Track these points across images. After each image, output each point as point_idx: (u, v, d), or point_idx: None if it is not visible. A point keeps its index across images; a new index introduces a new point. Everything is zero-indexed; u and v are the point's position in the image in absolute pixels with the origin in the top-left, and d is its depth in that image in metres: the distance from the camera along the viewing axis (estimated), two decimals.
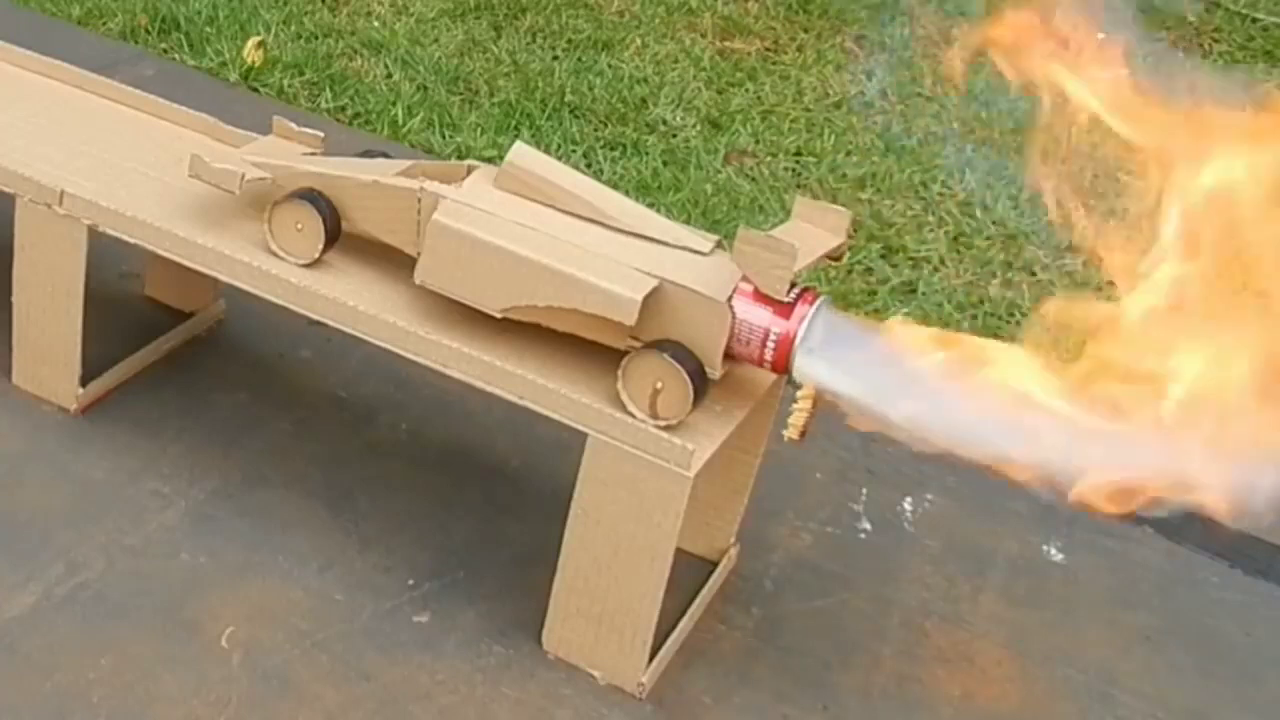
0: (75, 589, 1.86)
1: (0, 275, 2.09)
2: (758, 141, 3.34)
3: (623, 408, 1.71)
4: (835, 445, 2.29)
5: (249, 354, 2.34)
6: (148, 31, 3.46)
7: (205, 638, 1.82)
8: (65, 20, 3.49)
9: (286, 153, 2.04)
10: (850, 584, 2.07)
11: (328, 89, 3.30)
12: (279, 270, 1.88)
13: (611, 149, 3.22)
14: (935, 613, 2.05)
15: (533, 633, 1.87)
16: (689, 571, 1.96)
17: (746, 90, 3.58)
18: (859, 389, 1.68)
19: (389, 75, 3.42)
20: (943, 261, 2.93)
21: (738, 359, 1.75)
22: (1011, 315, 2.79)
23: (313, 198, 1.88)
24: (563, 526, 1.78)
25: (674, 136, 3.31)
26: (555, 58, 3.61)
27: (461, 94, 3.39)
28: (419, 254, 1.82)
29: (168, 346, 2.30)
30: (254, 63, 3.33)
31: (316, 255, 1.89)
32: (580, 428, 1.73)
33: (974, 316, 2.76)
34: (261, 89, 3.29)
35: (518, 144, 1.86)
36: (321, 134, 2.11)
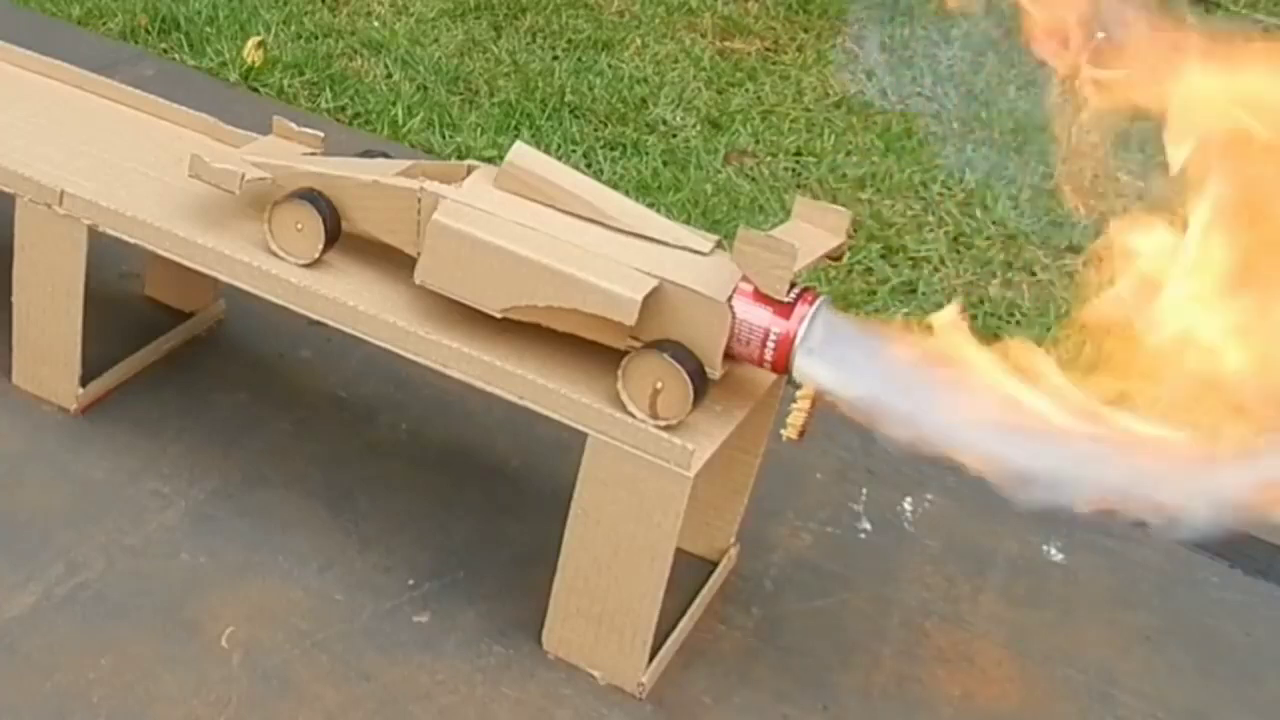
0: (75, 589, 1.86)
1: (0, 275, 2.09)
2: (758, 141, 3.34)
3: (623, 408, 1.71)
4: (835, 445, 2.29)
5: (249, 354, 2.34)
6: (148, 31, 3.46)
7: (205, 638, 1.82)
8: (65, 20, 3.49)
9: (286, 153, 2.04)
10: (850, 584, 2.07)
11: (328, 89, 3.30)
12: (279, 270, 1.88)
13: (611, 149, 3.22)
14: (935, 613, 2.05)
15: (533, 633, 1.87)
16: (689, 571, 1.96)
17: (746, 90, 3.58)
18: (859, 389, 1.68)
19: (389, 75, 3.42)
20: (943, 261, 2.93)
21: (738, 359, 1.75)
22: (1011, 315, 2.79)
23: (313, 198, 1.88)
24: (563, 526, 1.78)
25: (674, 136, 3.31)
26: (555, 58, 3.61)
27: (461, 94, 3.39)
28: (419, 254, 1.82)
29: (168, 346, 2.30)
30: (254, 63, 3.33)
31: (316, 255, 1.88)
32: (580, 428, 1.73)
33: (974, 316, 2.76)
34: (261, 89, 3.29)
35: (518, 144, 1.86)
36: (321, 134, 2.11)
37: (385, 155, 2.04)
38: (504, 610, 1.92)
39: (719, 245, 1.79)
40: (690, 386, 1.68)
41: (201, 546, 1.95)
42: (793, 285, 1.69)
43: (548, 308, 1.75)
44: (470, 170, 1.89)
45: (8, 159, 2.03)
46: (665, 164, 3.17)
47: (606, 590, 1.78)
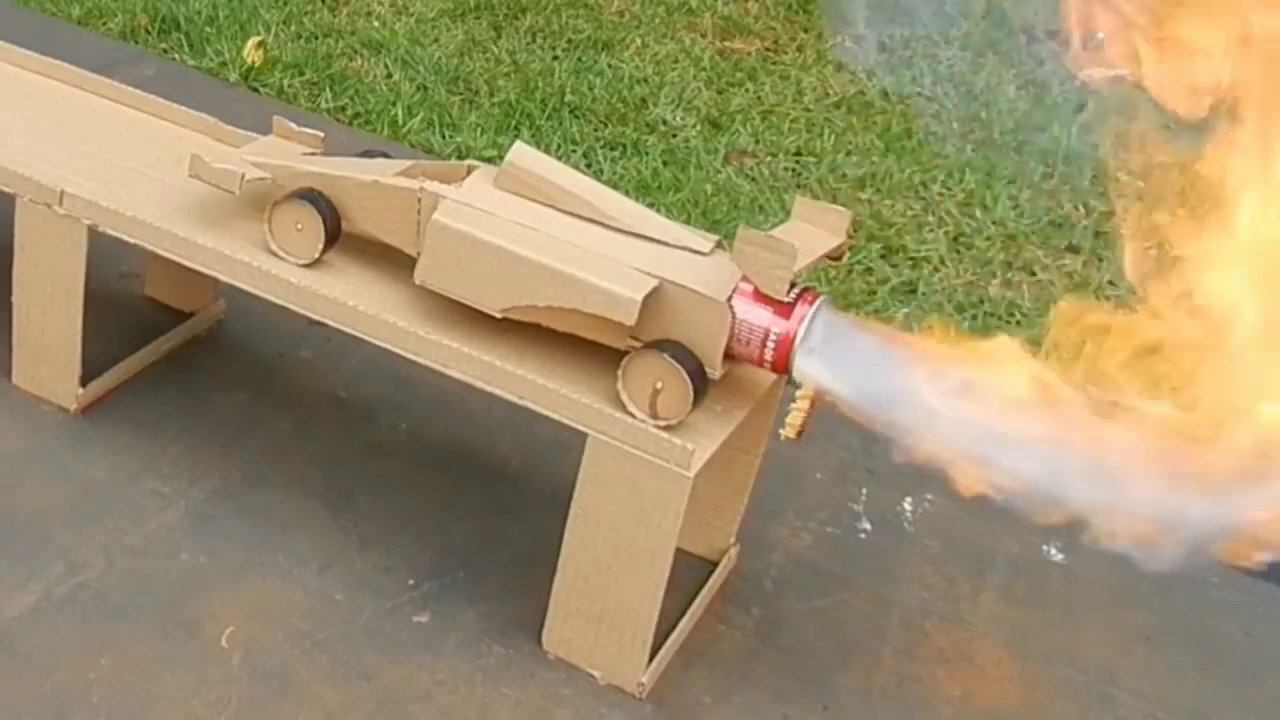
0: (75, 589, 1.86)
1: (0, 275, 2.09)
2: (758, 141, 3.34)
3: (623, 408, 1.71)
4: (835, 445, 2.29)
5: (249, 354, 2.34)
6: (148, 31, 3.46)
7: (205, 638, 1.82)
8: (65, 20, 3.49)
9: (286, 153, 2.04)
10: (850, 584, 2.07)
11: (328, 89, 3.30)
12: (279, 270, 1.88)
13: (611, 149, 3.22)
14: (935, 613, 2.05)
15: (533, 633, 1.87)
16: (689, 571, 1.96)
17: (746, 90, 3.58)
18: (859, 389, 1.68)
19: (389, 75, 3.42)
20: (943, 261, 2.93)
21: (738, 359, 1.75)
22: (1011, 315, 2.79)
23: (313, 198, 1.88)
24: (563, 526, 1.78)
25: (674, 136, 3.31)
26: (555, 58, 3.61)
27: (461, 94, 3.39)
28: (419, 254, 1.82)
29: (168, 346, 2.30)
30: (254, 63, 3.33)
31: (316, 255, 1.89)
32: (580, 428, 1.73)
33: (974, 316, 2.76)
34: (261, 89, 3.29)
35: (518, 144, 1.86)
36: (321, 134, 2.11)
37: (385, 155, 2.04)
38: (504, 610, 1.92)
39: (719, 245, 1.79)
40: (690, 386, 1.68)
41: (201, 546, 1.95)
42: (793, 285, 1.69)
43: (548, 308, 1.75)
44: (470, 170, 1.89)
45: (8, 159, 2.04)
46: (665, 164, 3.17)
47: (606, 590, 1.78)
